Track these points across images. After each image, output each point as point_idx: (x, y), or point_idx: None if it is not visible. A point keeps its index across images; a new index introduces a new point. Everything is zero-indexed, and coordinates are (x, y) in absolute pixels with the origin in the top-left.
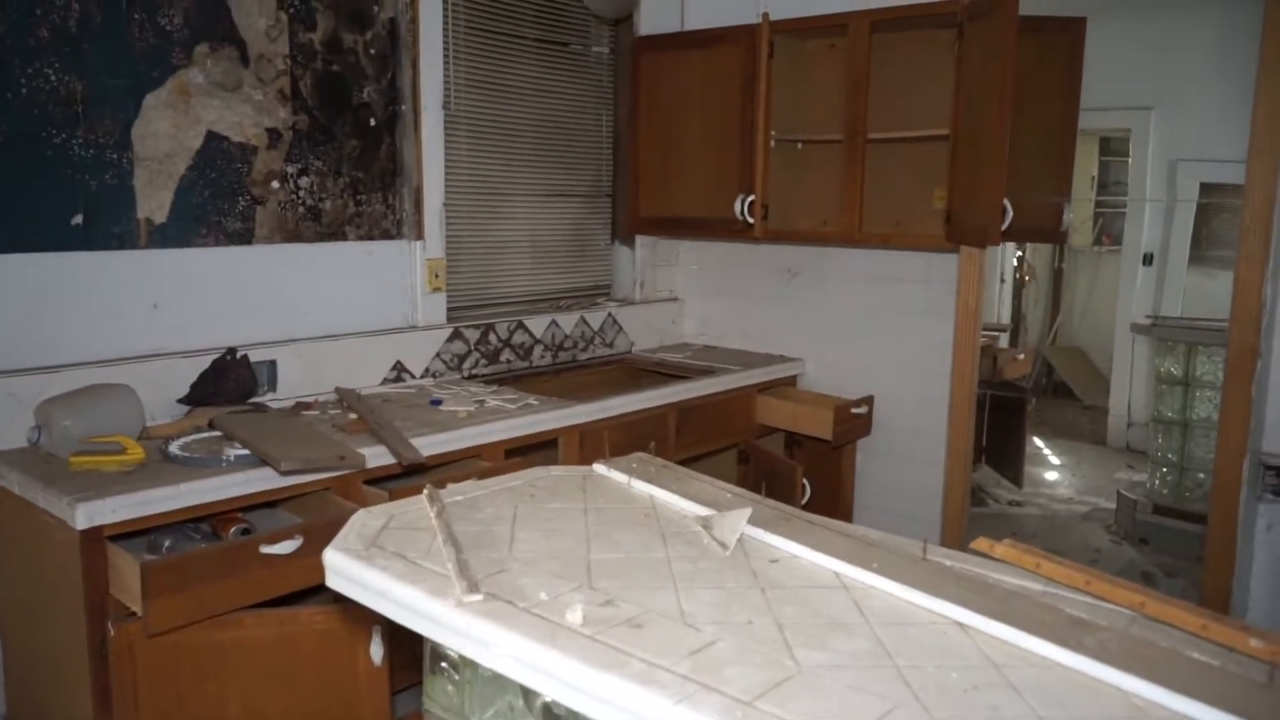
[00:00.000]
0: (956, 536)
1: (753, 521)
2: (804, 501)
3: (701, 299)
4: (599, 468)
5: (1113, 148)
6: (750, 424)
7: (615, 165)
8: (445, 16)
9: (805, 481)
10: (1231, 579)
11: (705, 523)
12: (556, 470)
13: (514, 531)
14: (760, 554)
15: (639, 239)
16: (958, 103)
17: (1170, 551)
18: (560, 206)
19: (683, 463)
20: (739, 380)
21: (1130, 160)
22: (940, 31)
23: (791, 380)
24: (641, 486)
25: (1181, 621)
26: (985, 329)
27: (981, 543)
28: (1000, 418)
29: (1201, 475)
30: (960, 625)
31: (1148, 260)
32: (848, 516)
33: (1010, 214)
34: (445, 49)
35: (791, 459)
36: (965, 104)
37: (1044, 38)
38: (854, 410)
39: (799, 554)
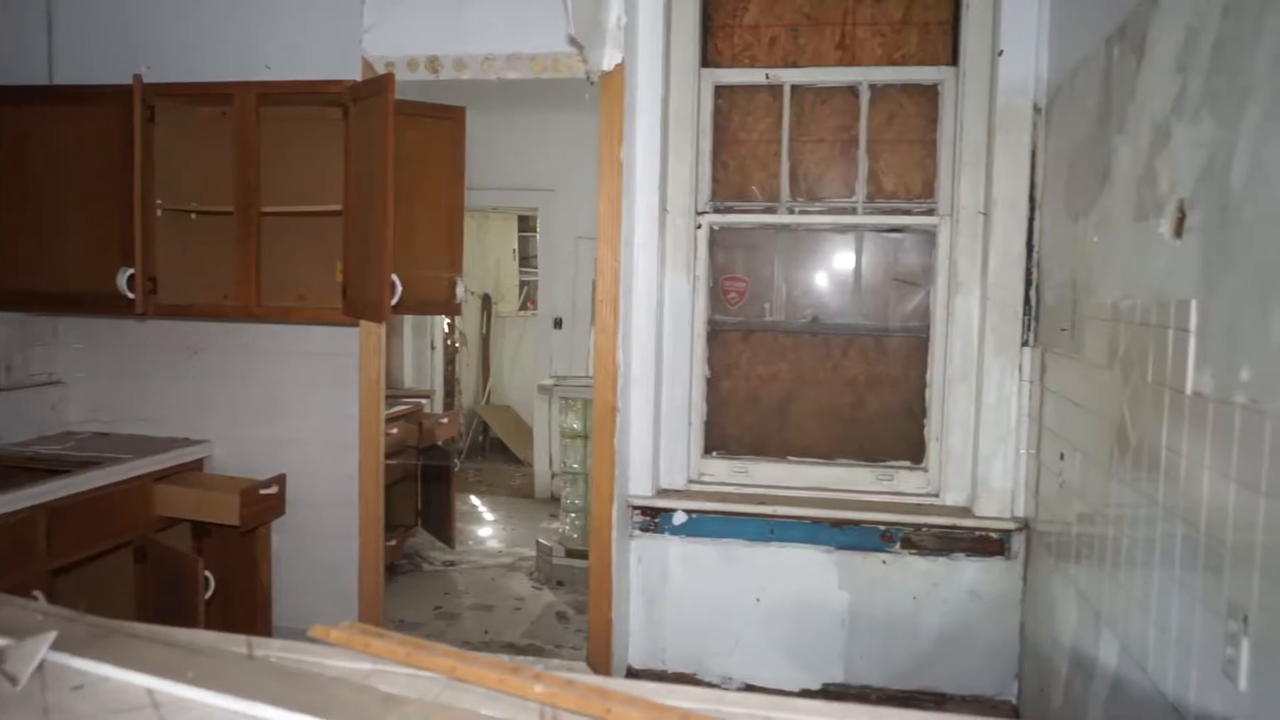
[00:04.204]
0: (374, 606)
1: (58, 646)
2: (208, 595)
3: (91, 382)
4: None
5: (530, 224)
6: (148, 517)
7: None
8: None
9: (208, 574)
10: (612, 609)
11: None
12: None
13: None
14: (63, 682)
15: (1, 315)
16: (348, 180)
17: (580, 590)
18: None
19: (64, 569)
20: (130, 470)
21: (539, 235)
22: (330, 110)
23: (198, 465)
24: None
25: (485, 680)
26: (412, 395)
27: (318, 629)
28: (431, 481)
29: None
30: None
31: (558, 324)
32: (266, 602)
33: (400, 289)
34: None
35: (200, 550)
36: (355, 182)
37: (427, 124)
38: (263, 491)
39: (109, 675)
